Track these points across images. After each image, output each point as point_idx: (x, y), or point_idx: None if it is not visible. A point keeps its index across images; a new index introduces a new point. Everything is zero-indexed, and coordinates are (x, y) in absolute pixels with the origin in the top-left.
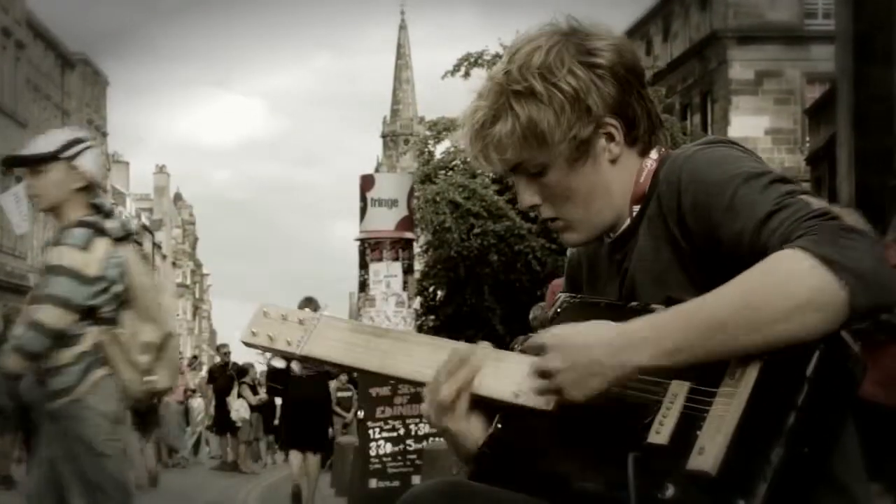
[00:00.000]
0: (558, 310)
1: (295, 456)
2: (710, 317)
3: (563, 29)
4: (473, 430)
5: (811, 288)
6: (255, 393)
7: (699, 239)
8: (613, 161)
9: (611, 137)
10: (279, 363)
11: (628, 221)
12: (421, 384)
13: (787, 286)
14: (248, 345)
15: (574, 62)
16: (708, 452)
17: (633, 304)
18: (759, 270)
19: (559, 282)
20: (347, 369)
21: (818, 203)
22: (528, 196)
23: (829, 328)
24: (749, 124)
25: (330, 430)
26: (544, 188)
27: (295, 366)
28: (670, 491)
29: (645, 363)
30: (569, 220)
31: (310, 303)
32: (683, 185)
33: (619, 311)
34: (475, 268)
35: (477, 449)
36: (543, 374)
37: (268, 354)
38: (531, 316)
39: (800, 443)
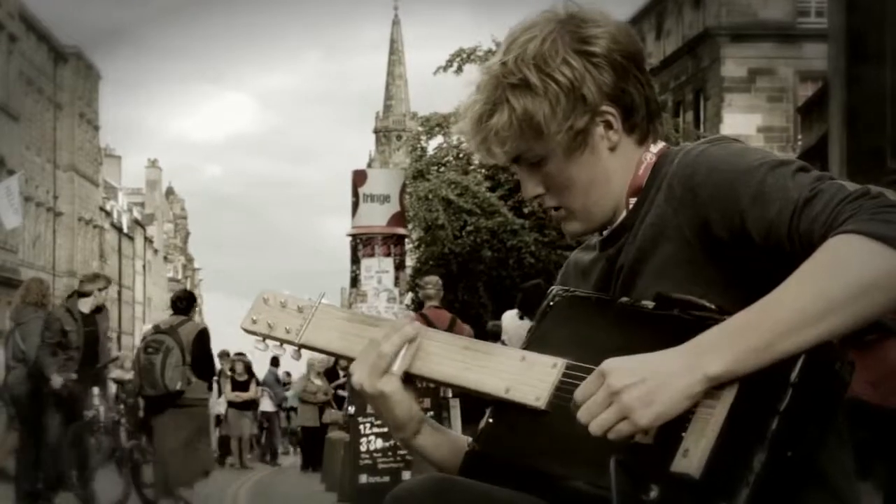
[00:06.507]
0: (550, 303)
1: None
2: (781, 313)
3: (559, 16)
4: (408, 394)
5: (875, 268)
6: (243, 389)
7: (719, 231)
8: (612, 149)
9: (609, 125)
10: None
11: (624, 214)
12: None
13: (851, 272)
14: (248, 332)
15: (568, 51)
16: (692, 455)
17: (624, 299)
18: (819, 261)
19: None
20: (342, 358)
21: (852, 185)
22: (531, 186)
23: None
24: (741, 122)
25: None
26: (546, 178)
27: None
28: (654, 492)
29: (716, 371)
30: (570, 210)
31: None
32: (700, 178)
33: (610, 307)
34: (468, 264)
35: (416, 416)
36: (609, 396)
37: (267, 342)
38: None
39: (783, 448)
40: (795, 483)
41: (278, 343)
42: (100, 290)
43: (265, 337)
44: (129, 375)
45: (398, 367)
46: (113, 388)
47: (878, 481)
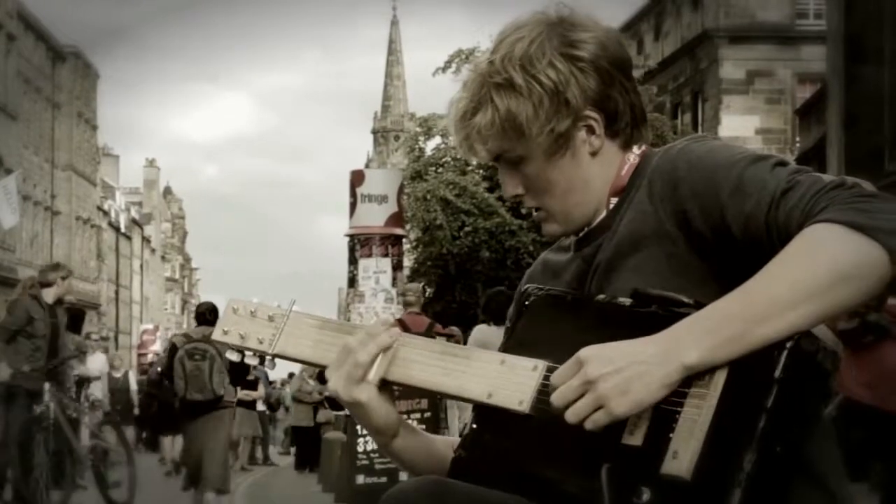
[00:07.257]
0: (526, 303)
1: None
2: (756, 301)
3: (550, 18)
4: (385, 400)
5: (849, 257)
6: (252, 388)
7: (700, 226)
8: (594, 154)
9: (591, 130)
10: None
11: (604, 214)
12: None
13: (826, 260)
14: (219, 343)
15: (555, 54)
16: (682, 457)
17: (600, 297)
18: (795, 249)
19: None
20: (316, 366)
21: (829, 177)
22: (510, 186)
23: (878, 289)
24: (740, 124)
25: None
26: (526, 179)
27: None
28: (646, 495)
29: (693, 360)
30: (549, 211)
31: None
32: (681, 174)
33: (586, 305)
34: (466, 265)
35: (393, 421)
36: (584, 384)
37: (238, 353)
38: None
39: (771, 444)
40: (785, 478)
41: (252, 353)
42: (63, 279)
43: (239, 348)
44: (117, 374)
45: (373, 375)
46: (102, 386)
47: (875, 481)
